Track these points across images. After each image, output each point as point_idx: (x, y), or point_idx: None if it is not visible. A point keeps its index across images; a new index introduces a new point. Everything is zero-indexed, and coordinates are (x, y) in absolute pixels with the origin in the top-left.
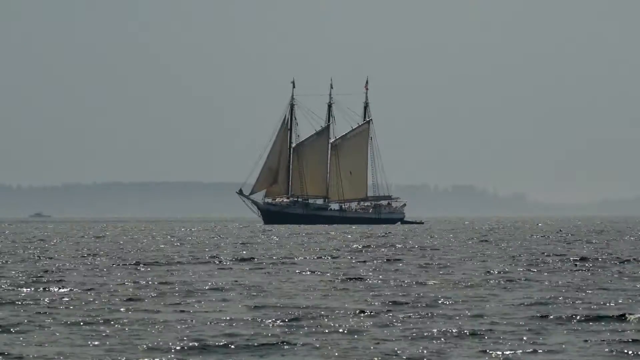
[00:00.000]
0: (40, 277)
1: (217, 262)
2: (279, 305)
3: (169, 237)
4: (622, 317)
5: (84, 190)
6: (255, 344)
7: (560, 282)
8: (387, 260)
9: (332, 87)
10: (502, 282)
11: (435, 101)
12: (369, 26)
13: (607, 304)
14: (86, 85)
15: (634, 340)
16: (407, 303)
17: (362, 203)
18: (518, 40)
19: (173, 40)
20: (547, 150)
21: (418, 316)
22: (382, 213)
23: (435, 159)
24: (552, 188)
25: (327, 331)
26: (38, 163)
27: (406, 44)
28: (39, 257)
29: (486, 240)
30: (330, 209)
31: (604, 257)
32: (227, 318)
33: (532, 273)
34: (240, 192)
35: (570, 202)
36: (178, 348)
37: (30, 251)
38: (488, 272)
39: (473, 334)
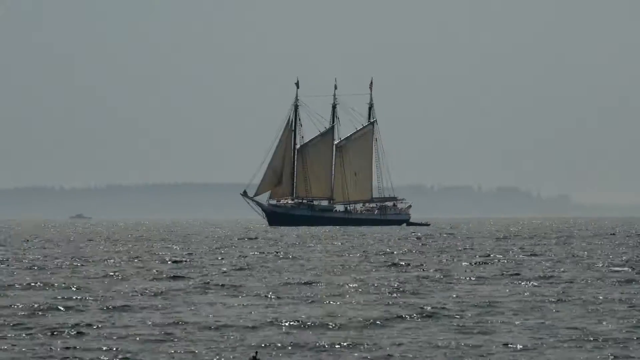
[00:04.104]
0: None
1: None
2: None
3: None
4: None
5: (125, 192)
6: None
7: None
8: None
9: (336, 88)
10: None
11: (449, 100)
12: (373, 26)
13: None
14: (127, 89)
15: None
16: None
17: (367, 204)
18: (538, 36)
19: (178, 41)
20: (591, 151)
21: None
22: (388, 214)
23: (478, 159)
24: (596, 189)
25: None
26: (80, 165)
27: (412, 43)
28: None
29: None
30: (336, 211)
31: None
32: None
33: None
34: (245, 194)
35: (612, 203)
36: None
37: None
38: None
39: None
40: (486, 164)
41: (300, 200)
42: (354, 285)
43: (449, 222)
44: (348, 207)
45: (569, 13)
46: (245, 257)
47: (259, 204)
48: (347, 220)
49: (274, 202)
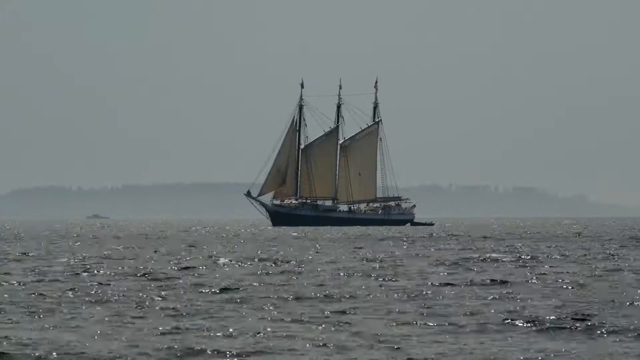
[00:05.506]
0: None
1: None
2: None
3: None
4: None
5: (142, 192)
6: None
7: None
8: None
9: (341, 88)
10: None
11: (456, 99)
12: (378, 26)
13: None
14: (127, 89)
15: None
16: None
17: (371, 204)
18: (546, 35)
19: (178, 41)
20: (608, 151)
21: None
22: (392, 214)
23: (498, 160)
24: (613, 189)
25: None
26: (97, 165)
27: (416, 42)
28: None
29: None
30: (339, 211)
31: None
32: None
33: None
34: (248, 194)
35: (630, 203)
36: None
37: None
38: None
39: None
40: (501, 164)
41: (304, 200)
42: None
43: (461, 222)
44: (352, 207)
45: (570, 13)
46: None
47: (262, 204)
48: (351, 220)
49: (277, 202)
